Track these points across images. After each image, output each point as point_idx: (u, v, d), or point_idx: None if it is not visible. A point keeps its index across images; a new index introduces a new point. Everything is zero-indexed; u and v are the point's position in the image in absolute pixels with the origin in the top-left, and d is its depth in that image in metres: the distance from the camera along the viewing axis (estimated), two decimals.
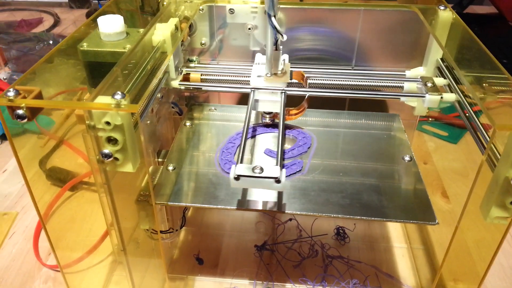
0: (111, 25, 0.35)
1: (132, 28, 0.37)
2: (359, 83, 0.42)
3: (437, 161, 0.62)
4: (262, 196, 0.35)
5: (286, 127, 0.42)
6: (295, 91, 0.39)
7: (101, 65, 0.35)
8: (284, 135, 0.39)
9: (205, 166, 0.38)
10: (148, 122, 0.37)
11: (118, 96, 0.26)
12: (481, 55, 0.33)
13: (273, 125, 0.42)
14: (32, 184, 0.38)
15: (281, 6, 0.42)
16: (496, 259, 0.49)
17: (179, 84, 0.38)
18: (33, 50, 0.76)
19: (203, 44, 0.45)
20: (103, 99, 0.26)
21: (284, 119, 0.35)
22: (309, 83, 0.43)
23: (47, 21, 1.02)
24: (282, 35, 0.35)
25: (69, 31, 0.99)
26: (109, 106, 0.25)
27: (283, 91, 0.37)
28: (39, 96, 0.27)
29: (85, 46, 0.35)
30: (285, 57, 0.40)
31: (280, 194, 0.34)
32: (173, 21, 0.35)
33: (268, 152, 0.38)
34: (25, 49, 0.76)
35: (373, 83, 0.42)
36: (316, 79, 0.43)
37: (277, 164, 0.30)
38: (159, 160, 0.40)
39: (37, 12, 1.01)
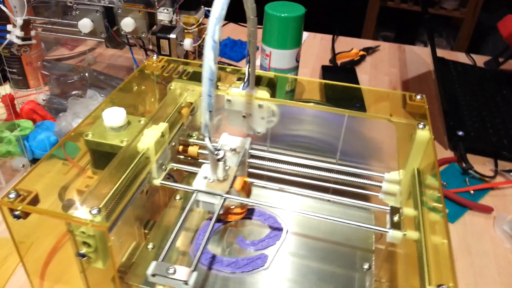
0: (113, 119, 0.40)
1: (134, 117, 0.43)
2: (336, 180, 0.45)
3: None
4: (219, 283, 0.39)
5: (264, 213, 0.46)
6: (234, 199, 0.41)
7: (102, 153, 0.40)
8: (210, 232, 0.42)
9: (182, 248, 0.42)
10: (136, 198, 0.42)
11: (94, 211, 0.31)
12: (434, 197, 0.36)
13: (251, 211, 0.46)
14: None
15: (275, 103, 0.46)
16: None
17: (160, 183, 0.42)
18: (71, 78, 0.84)
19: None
20: (82, 213, 0.31)
21: (214, 224, 0.38)
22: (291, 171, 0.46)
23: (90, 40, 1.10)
24: (215, 154, 0.38)
25: (110, 52, 1.06)
26: (85, 221, 0.30)
27: (222, 197, 0.40)
28: (34, 199, 0.32)
29: (89, 136, 0.40)
30: (246, 143, 0.43)
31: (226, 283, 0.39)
32: (161, 128, 0.40)
33: (240, 241, 0.43)
34: (62, 77, 0.83)
35: (345, 186, 0.45)
36: (297, 167, 0.47)
37: (192, 267, 0.33)
38: (146, 231, 0.45)
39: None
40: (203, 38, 0.81)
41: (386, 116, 0.43)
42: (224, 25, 1.26)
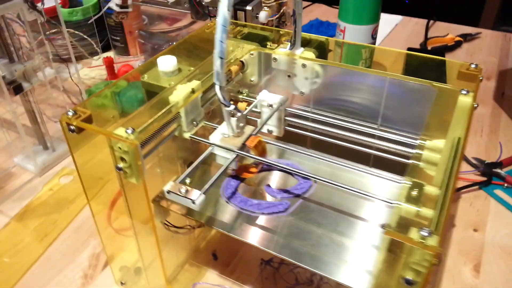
0: (164, 64, 0.45)
1: (186, 66, 0.47)
2: (376, 145, 0.45)
3: (489, 231, 0.60)
4: (240, 220, 0.42)
5: (298, 167, 0.48)
6: (247, 155, 0.43)
7: (153, 93, 0.46)
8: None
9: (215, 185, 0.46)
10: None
11: (129, 131, 0.36)
12: None
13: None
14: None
15: (317, 62, 0.47)
16: None
17: (190, 137, 0.45)
18: (162, 46, 0.93)
19: (252, 81, 0.53)
20: (120, 131, 0.36)
21: (223, 173, 0.41)
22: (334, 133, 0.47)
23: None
24: (226, 105, 0.39)
25: None
26: (120, 137, 0.36)
27: (235, 153, 0.42)
28: (87, 118, 0.39)
29: (145, 77, 0.46)
30: (284, 100, 0.45)
31: (251, 224, 0.41)
32: (192, 85, 0.43)
33: (267, 188, 0.45)
34: (156, 45, 0.93)
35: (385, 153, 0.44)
36: (337, 129, 0.47)
37: (202, 190, 0.37)
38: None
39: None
40: (281, 13, 0.83)
41: (428, 81, 0.42)
42: (308, 6, 1.27)
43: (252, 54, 0.51)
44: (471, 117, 0.38)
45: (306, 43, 0.50)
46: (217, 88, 0.37)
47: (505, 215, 0.62)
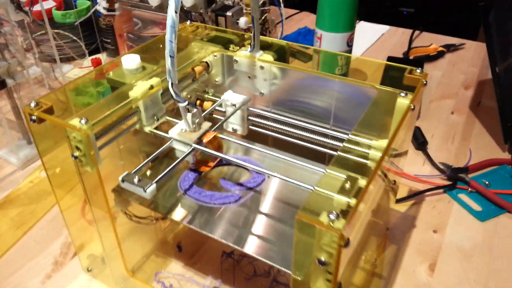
0: (128, 62, 0.48)
1: (150, 65, 0.50)
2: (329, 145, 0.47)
3: (449, 233, 0.61)
4: (194, 210, 0.45)
5: (255, 162, 0.50)
6: (202, 149, 0.45)
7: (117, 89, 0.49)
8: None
9: (173, 177, 0.49)
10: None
11: (83, 121, 0.39)
12: None
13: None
14: None
15: (273, 64, 0.50)
16: None
17: (150, 131, 0.47)
18: None
19: (216, 81, 0.56)
20: (74, 121, 0.39)
21: (177, 165, 0.44)
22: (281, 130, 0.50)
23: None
24: (180, 102, 0.41)
25: None
26: (74, 127, 0.39)
27: (191, 146, 0.45)
28: (48, 109, 0.41)
29: (110, 74, 0.49)
30: (246, 100, 0.47)
31: (202, 213, 0.44)
32: (151, 82, 0.46)
33: (222, 181, 0.48)
34: None
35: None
36: (292, 127, 0.50)
37: (154, 181, 0.39)
38: (152, 163, 0.52)
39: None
40: (264, 19, 0.86)
41: (371, 83, 0.44)
42: (296, 14, 1.30)
43: (215, 56, 0.53)
44: (405, 118, 0.40)
45: (267, 47, 0.53)
46: (169, 84, 0.40)
47: (466, 218, 0.63)
